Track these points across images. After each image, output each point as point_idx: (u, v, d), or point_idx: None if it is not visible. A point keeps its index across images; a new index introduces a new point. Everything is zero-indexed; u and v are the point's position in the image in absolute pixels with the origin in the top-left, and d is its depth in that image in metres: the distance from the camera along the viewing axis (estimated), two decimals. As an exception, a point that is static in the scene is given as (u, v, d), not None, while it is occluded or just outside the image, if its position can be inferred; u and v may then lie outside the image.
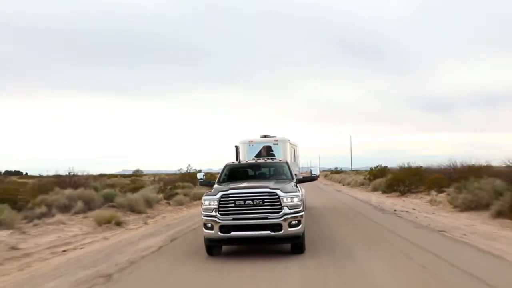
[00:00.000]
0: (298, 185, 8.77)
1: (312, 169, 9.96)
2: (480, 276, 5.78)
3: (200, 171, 13.23)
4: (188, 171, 35.51)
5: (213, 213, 7.62)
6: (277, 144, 13.79)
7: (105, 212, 13.82)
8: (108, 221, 12.86)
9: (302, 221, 7.64)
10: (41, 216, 13.62)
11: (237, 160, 13.29)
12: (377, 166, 32.15)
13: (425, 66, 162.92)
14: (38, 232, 11.03)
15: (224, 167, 10.00)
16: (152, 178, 43.99)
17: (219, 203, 7.59)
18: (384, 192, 25.71)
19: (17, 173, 77.53)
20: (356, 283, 5.73)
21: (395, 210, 15.16)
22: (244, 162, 10.80)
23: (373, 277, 6.00)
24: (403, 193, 23.03)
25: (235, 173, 9.77)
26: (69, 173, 22.04)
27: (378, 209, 15.92)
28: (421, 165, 26.76)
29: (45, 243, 9.79)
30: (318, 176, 10.06)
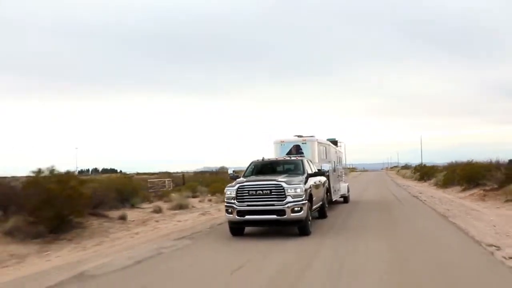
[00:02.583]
0: (311, 177, 10.73)
1: (322, 165, 12.17)
2: (394, 193, 24.35)
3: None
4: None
5: (232, 201, 9.54)
6: (305, 143, 14.78)
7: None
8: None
9: (305, 208, 9.37)
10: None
11: None
12: (420, 164, 48.84)
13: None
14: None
15: (250, 164, 11.77)
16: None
17: (237, 193, 9.51)
18: (418, 180, 42.66)
19: (113, 171, 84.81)
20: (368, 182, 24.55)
21: (403, 185, 32.96)
22: (267, 159, 12.07)
23: (372, 187, 24.79)
24: (425, 180, 39.98)
25: (259, 168, 11.54)
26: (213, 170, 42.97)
27: (396, 185, 33.87)
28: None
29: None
30: (327, 171, 12.31)
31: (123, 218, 13.12)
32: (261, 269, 6.62)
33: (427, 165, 49.61)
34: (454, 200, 18.55)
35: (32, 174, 10.57)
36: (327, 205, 13.30)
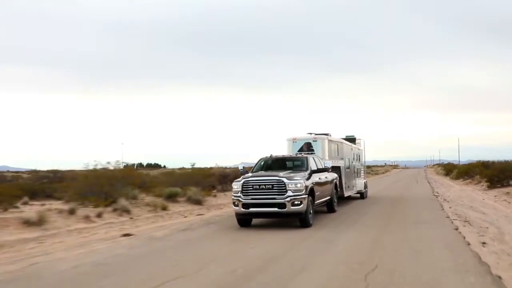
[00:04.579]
0: (318, 173, 11.89)
1: (325, 162, 13.04)
2: (418, 181, 38.59)
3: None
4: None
5: (238, 194, 10.41)
6: (316, 141, 15.28)
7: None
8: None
9: (305, 202, 10.15)
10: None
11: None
12: (448, 163, 61.53)
13: None
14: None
15: (259, 160, 12.70)
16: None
17: (242, 187, 10.38)
18: (444, 175, 55.78)
19: (157, 166, 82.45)
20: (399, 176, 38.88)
21: (430, 178, 46.55)
22: (274, 156, 12.89)
23: (404, 176, 39.12)
24: (448, 175, 53.12)
25: (267, 165, 12.44)
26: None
27: (425, 178, 47.52)
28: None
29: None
30: (329, 168, 13.07)
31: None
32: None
33: (470, 163, 62.38)
34: (450, 183, 32.58)
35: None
36: (336, 200, 14.15)
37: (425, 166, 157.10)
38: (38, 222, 10.66)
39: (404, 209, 14.91)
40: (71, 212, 12.07)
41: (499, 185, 22.77)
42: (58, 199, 17.19)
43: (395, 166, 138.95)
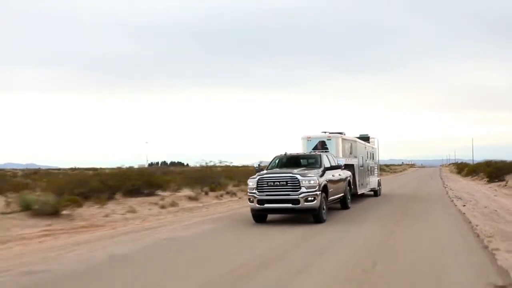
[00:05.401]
0: (340, 171, 13.22)
1: (338, 160, 13.33)
2: (431, 178, 44.84)
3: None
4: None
5: (254, 191, 10.85)
6: (330, 139, 15.69)
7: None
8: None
9: (318, 198, 10.50)
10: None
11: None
12: (461, 162, 67.22)
13: None
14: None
15: (274, 158, 13.15)
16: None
17: (257, 183, 10.82)
18: (457, 173, 61.65)
19: (180, 164, 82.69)
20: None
21: (444, 175, 52.59)
22: (289, 154, 13.34)
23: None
24: (460, 173, 59.00)
25: (281, 162, 12.88)
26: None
27: (439, 175, 53.54)
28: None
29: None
30: (342, 166, 13.33)
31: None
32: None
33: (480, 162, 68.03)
34: (459, 179, 38.82)
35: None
36: (349, 198, 14.58)
37: (440, 165, 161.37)
38: (196, 198, 17.64)
39: (418, 194, 21.58)
40: (206, 193, 19.03)
41: (496, 180, 28.97)
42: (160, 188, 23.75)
43: (412, 165, 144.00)
